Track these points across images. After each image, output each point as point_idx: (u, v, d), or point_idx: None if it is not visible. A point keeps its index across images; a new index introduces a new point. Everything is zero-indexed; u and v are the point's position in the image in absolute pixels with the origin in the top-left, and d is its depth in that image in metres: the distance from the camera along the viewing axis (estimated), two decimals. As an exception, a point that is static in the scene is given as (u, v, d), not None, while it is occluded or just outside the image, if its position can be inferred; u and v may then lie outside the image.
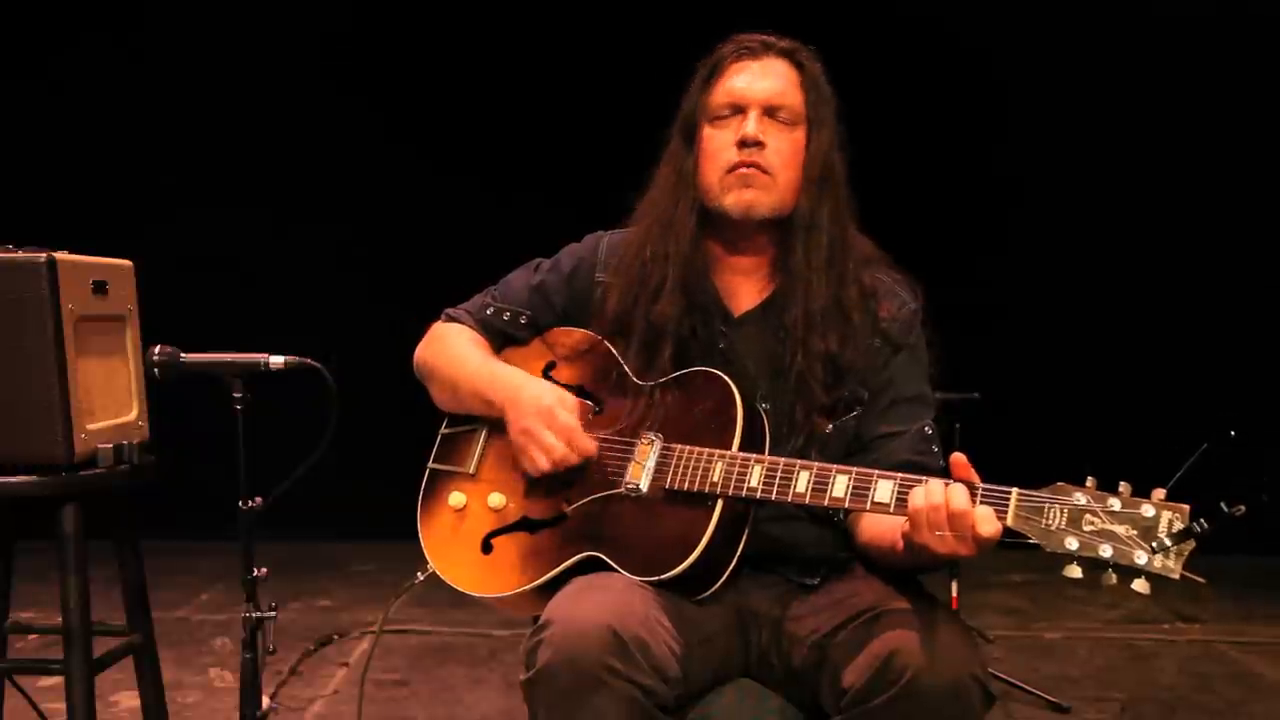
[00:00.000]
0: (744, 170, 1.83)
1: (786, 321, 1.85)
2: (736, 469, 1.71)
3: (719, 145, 1.85)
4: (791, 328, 1.84)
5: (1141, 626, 4.18)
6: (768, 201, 1.84)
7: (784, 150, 1.84)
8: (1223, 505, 1.36)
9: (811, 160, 1.86)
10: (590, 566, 1.75)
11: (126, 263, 2.34)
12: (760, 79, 1.85)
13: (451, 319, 2.07)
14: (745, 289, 1.92)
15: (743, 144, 1.82)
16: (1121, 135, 5.02)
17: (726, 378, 1.80)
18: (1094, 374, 5.06)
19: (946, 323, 1.93)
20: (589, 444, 1.82)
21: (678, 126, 1.94)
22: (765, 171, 1.83)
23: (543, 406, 1.83)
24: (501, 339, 2.04)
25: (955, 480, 1.55)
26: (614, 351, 1.92)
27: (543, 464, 1.82)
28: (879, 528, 1.74)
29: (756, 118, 1.83)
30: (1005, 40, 4.96)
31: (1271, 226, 5.00)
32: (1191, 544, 1.41)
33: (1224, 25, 4.90)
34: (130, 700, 3.07)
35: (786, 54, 1.88)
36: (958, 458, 1.56)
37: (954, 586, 3.39)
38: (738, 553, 1.74)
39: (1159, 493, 1.45)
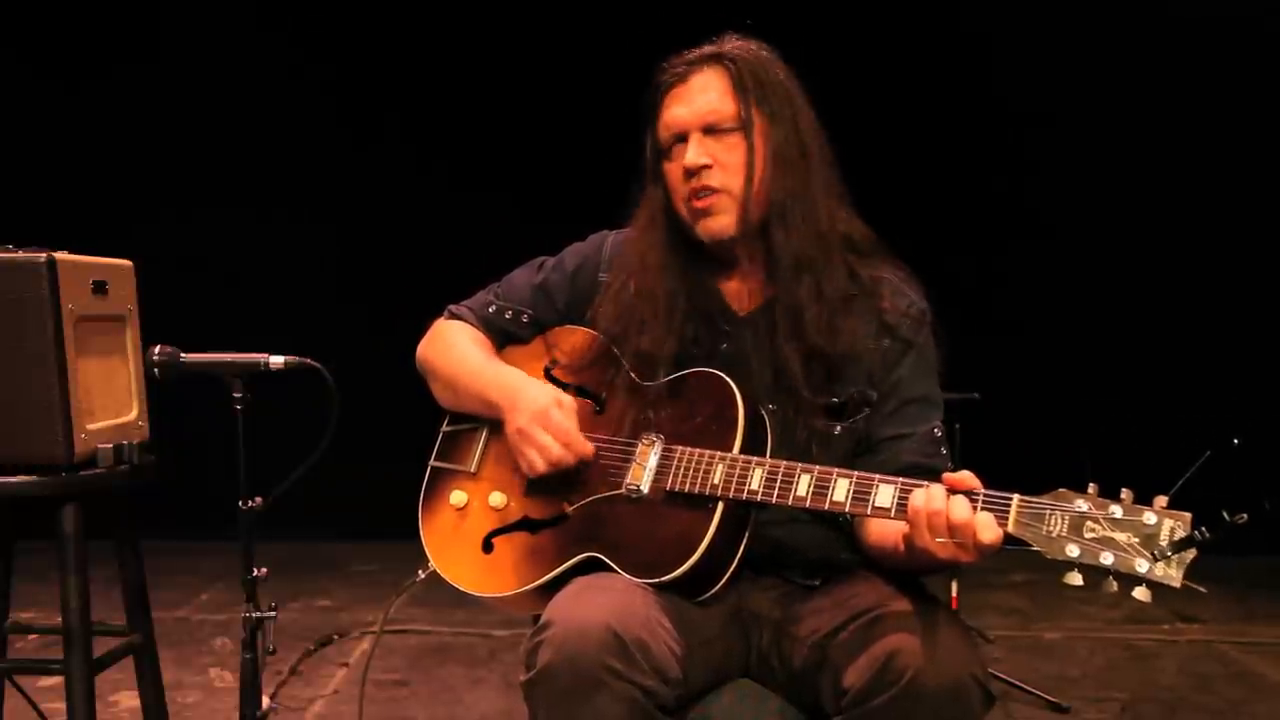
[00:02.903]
0: (697, 201, 1.81)
1: (777, 320, 1.83)
2: (737, 471, 1.70)
3: (675, 180, 1.84)
4: (779, 326, 1.81)
5: (1142, 626, 4.18)
6: (730, 221, 1.81)
7: (731, 162, 1.80)
8: (1225, 513, 1.35)
9: (766, 156, 1.81)
10: (591, 567, 1.75)
11: (126, 263, 2.34)
12: (690, 101, 1.81)
13: (454, 316, 2.06)
14: (748, 288, 1.91)
15: (687, 174, 1.81)
16: (1122, 137, 5.02)
17: (727, 378, 1.79)
18: (1096, 379, 5.06)
19: (947, 323, 1.92)
20: (585, 446, 1.82)
21: (646, 163, 1.91)
22: (717, 191, 1.80)
23: (539, 408, 1.83)
24: (504, 337, 2.03)
25: (955, 492, 1.53)
26: (616, 352, 1.90)
27: (538, 465, 1.82)
28: (884, 529, 1.73)
29: (697, 142, 1.80)
30: (1005, 40, 4.96)
31: (1274, 231, 5.00)
32: (1193, 552, 1.40)
33: (1223, 32, 4.90)
34: (130, 700, 3.07)
35: (713, 60, 1.82)
36: (957, 477, 1.54)
37: (954, 586, 3.39)
38: (738, 555, 1.74)
39: (1161, 500, 1.44)
